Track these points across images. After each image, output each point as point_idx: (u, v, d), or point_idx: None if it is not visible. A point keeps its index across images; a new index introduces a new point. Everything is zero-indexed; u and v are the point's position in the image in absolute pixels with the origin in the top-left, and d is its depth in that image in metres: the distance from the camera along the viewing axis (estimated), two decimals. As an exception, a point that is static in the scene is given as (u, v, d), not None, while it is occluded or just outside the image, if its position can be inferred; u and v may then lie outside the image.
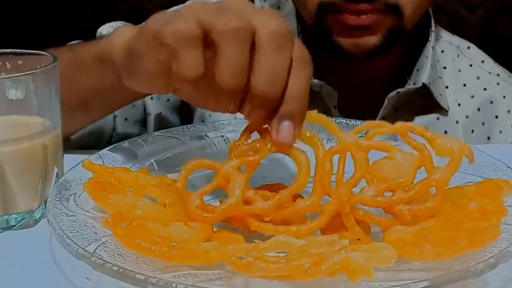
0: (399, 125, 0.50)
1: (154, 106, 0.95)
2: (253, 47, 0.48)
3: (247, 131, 0.50)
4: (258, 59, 0.47)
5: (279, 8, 1.03)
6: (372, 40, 0.85)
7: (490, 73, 0.99)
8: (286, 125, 0.48)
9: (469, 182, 0.57)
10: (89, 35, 0.89)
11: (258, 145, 0.50)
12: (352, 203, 0.48)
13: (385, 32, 0.85)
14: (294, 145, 0.49)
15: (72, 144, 0.79)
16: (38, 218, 0.57)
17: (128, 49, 0.57)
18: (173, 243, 0.45)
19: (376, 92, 0.93)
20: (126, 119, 0.94)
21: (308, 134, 0.50)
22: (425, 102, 0.95)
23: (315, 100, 0.89)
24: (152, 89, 0.58)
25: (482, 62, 1.01)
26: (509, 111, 0.97)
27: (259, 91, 0.47)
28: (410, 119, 0.96)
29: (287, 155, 0.50)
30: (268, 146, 0.49)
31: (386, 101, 0.92)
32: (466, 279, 0.43)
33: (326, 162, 0.49)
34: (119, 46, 0.60)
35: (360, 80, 0.94)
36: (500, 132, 0.96)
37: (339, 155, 0.50)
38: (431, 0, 0.92)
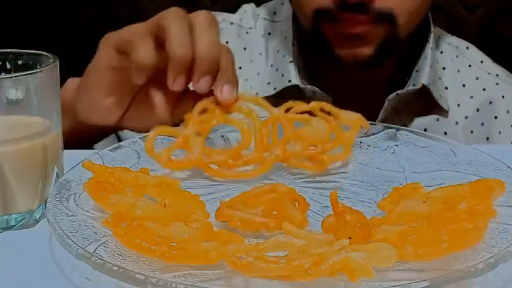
0: (313, 104, 0.65)
1: (129, 136, 0.95)
2: (191, 29, 0.63)
3: (199, 107, 0.64)
4: (198, 34, 0.63)
5: (275, 13, 1.03)
6: (366, 51, 0.86)
7: (489, 73, 0.99)
8: (226, 87, 0.64)
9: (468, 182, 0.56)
10: (89, 35, 0.89)
11: (206, 117, 0.64)
12: (287, 156, 0.63)
13: (378, 41, 0.85)
14: (238, 118, 0.65)
15: None
16: (38, 218, 0.57)
17: (85, 72, 0.71)
18: (173, 243, 0.45)
19: (375, 94, 0.93)
20: None
21: (247, 109, 0.65)
22: (426, 103, 0.95)
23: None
24: (108, 104, 0.70)
25: (481, 62, 1.00)
26: (508, 112, 0.97)
27: (203, 57, 0.63)
28: (410, 121, 0.96)
29: (232, 125, 0.65)
30: (215, 121, 0.64)
31: (386, 103, 0.92)
32: (466, 279, 0.43)
33: (263, 128, 0.64)
34: (72, 83, 0.75)
35: (359, 83, 0.94)
36: (500, 132, 0.96)
37: (271, 125, 0.65)
38: (428, 8, 0.91)
